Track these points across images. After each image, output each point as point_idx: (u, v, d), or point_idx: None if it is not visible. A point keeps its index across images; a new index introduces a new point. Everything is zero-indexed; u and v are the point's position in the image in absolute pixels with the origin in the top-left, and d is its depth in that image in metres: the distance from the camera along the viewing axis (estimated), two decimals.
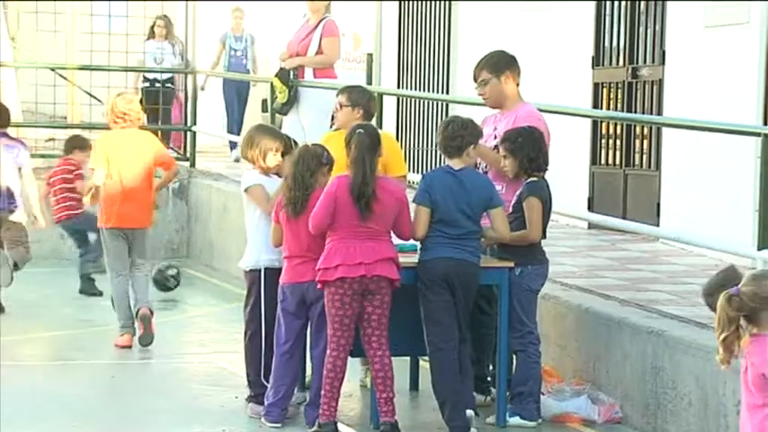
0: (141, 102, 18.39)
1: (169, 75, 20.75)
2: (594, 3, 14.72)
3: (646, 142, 13.86)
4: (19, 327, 13.02)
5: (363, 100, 10.35)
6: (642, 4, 14.14)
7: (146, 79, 20.76)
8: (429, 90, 17.71)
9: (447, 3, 17.46)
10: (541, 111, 9.96)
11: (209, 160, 19.33)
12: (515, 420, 9.39)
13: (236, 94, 20.47)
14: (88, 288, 14.95)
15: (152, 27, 21.32)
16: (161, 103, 20.22)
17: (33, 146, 17.40)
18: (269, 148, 9.85)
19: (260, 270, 9.70)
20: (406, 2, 18.63)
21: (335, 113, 10.35)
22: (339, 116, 10.15)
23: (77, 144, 15.72)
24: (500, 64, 9.64)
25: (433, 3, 17.88)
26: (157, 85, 20.61)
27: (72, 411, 10.07)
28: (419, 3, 18.33)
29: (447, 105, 15.74)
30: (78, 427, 9.64)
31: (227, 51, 19.91)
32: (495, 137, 9.69)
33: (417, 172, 14.31)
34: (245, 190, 9.81)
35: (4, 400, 10.06)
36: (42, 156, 17.91)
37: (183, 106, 19.71)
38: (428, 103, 17.45)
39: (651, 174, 13.55)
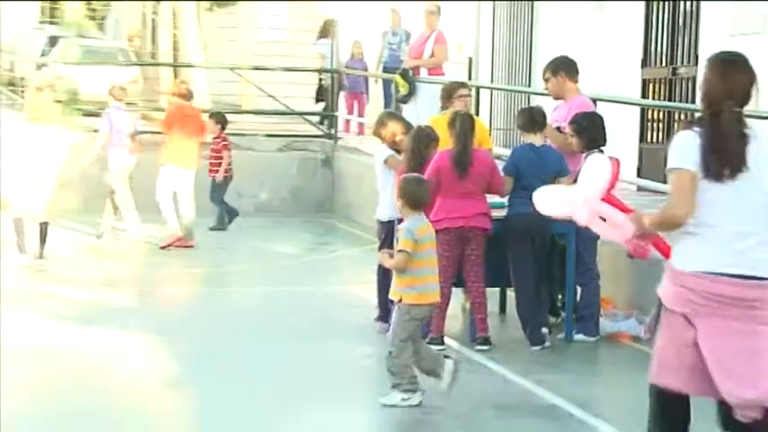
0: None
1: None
2: (643, 19, 14.51)
3: (682, 125, 13.67)
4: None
5: None
6: (681, 18, 13.92)
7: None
8: (515, 84, 17.62)
9: (530, 13, 17.33)
10: (601, 100, 9.94)
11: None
12: (579, 337, 9.47)
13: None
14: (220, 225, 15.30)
15: (323, 27, 20.96)
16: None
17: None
18: (396, 129, 9.92)
19: (391, 221, 9.69)
20: (498, 10, 18.52)
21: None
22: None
23: (220, 119, 15.70)
24: (558, 66, 9.67)
25: (517, 17, 17.76)
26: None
27: (232, 329, 10.07)
28: (508, 11, 18.21)
29: (528, 96, 15.65)
30: (242, 340, 9.62)
31: (385, 45, 19.32)
32: (556, 120, 9.75)
33: (507, 147, 14.26)
34: (385, 160, 9.82)
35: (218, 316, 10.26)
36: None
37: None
38: (513, 94, 17.34)
39: None
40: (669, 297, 5.28)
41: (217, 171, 15.19)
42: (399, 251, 7.63)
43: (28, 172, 11.98)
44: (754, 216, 5.20)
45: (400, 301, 7.62)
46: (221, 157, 15.18)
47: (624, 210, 5.82)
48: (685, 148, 5.23)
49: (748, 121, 5.38)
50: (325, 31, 20.57)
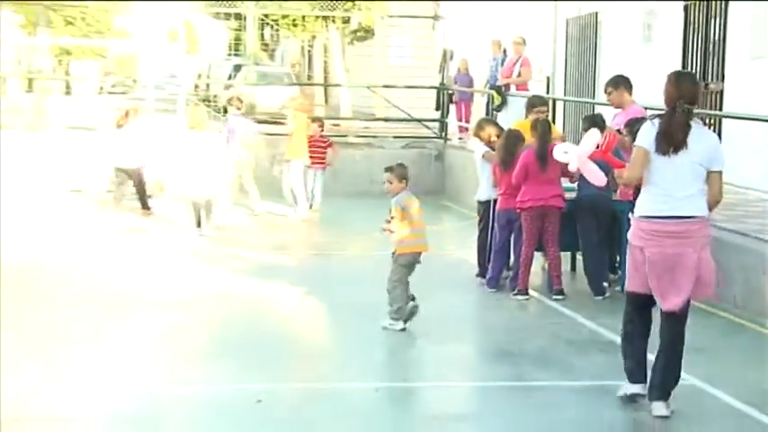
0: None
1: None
2: (681, 45, 14.24)
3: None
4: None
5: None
6: (711, 45, 13.63)
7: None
8: (582, 96, 17.39)
9: (594, 44, 17.08)
10: (650, 109, 9.73)
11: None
12: None
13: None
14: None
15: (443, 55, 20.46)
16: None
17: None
18: (492, 131, 9.89)
19: (487, 201, 9.69)
20: (570, 45, 18.29)
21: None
22: None
23: (320, 122, 14.74)
24: (618, 82, 9.47)
25: (584, 47, 17.50)
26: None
27: (366, 283, 9.59)
28: (577, 46, 17.95)
29: (593, 106, 15.44)
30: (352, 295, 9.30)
31: (489, 68, 18.40)
32: (618, 124, 9.57)
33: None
34: (483, 155, 9.80)
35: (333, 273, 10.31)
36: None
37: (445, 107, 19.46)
38: (580, 104, 17.13)
39: None
40: (631, 236, 6.02)
41: (319, 164, 14.14)
42: (392, 217, 8.00)
43: (193, 165, 12.08)
44: (684, 179, 5.83)
45: (394, 252, 7.97)
46: (322, 151, 14.23)
47: (617, 165, 6.30)
48: (645, 134, 5.92)
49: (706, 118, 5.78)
50: (445, 58, 20.48)
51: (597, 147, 6.45)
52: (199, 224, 12.14)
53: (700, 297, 6.07)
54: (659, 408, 5.86)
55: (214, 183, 12.32)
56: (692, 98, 5.88)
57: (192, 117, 13.02)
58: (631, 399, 6.08)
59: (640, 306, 6.06)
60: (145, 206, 13.53)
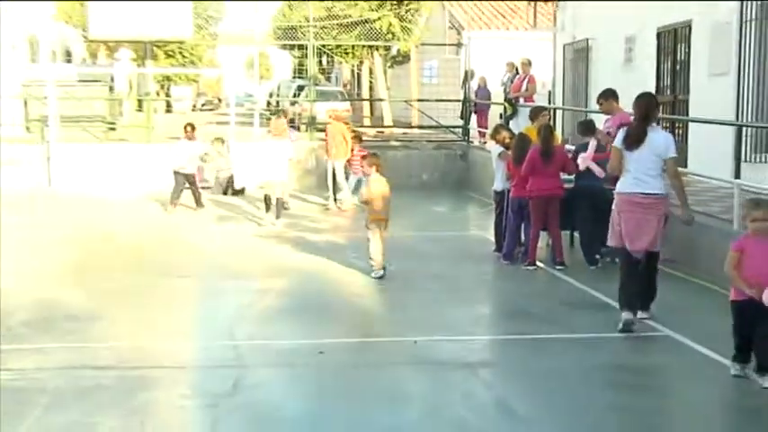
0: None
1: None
2: (655, 65, 13.98)
3: (681, 130, 13.16)
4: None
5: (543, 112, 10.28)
6: (678, 65, 13.42)
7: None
8: (579, 105, 17.16)
9: (586, 65, 16.83)
10: (631, 114, 9.62)
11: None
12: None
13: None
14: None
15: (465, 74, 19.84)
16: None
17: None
18: (505, 135, 9.80)
19: (502, 191, 9.60)
20: (567, 67, 18.04)
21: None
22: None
23: (357, 135, 14.26)
24: (608, 94, 9.30)
25: (579, 67, 17.26)
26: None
27: (406, 256, 9.74)
28: (573, 68, 17.70)
29: (586, 114, 15.27)
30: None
31: (502, 84, 17.51)
32: (608, 128, 9.41)
33: (572, 145, 13.96)
34: (499, 155, 9.70)
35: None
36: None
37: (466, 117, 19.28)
38: (576, 113, 16.90)
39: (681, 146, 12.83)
40: (614, 206, 6.77)
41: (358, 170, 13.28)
42: (362, 194, 8.93)
43: (272, 166, 11.90)
44: (647, 166, 6.59)
45: (372, 224, 8.60)
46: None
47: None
48: (618, 138, 6.76)
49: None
50: (467, 77, 20.38)
51: (597, 150, 7.83)
52: (273, 215, 12.02)
53: (650, 249, 6.70)
54: (625, 314, 6.57)
55: (288, 180, 12.20)
56: (646, 111, 6.65)
57: (274, 126, 12.82)
58: (626, 326, 6.53)
59: (632, 262, 6.71)
60: (198, 203, 13.07)
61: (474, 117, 19.14)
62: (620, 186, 6.69)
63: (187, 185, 13.05)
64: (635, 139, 6.56)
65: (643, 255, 6.64)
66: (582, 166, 8.27)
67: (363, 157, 14.29)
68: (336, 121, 13.89)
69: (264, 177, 12.08)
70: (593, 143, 8.35)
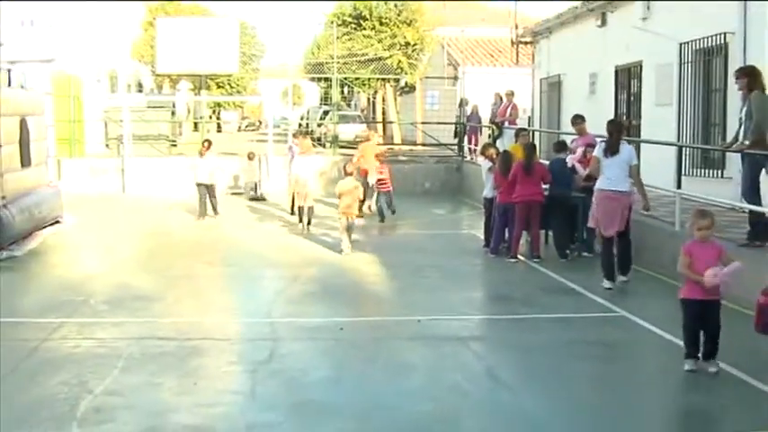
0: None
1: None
2: (614, 97, 13.71)
3: (635, 147, 12.85)
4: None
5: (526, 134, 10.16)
6: (632, 96, 13.20)
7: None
8: (553, 127, 17.01)
9: (558, 97, 16.70)
10: (598, 136, 9.49)
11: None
12: (585, 254, 9.03)
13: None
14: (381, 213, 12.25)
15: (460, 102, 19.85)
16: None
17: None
18: (493, 152, 9.73)
19: (491, 198, 9.49)
20: (543, 98, 17.87)
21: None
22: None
23: (380, 153, 13.22)
24: (578, 118, 9.28)
25: (552, 99, 17.12)
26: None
27: (410, 250, 9.57)
28: (548, 98, 17.54)
29: (558, 135, 15.13)
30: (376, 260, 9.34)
31: (496, 107, 15.96)
32: (579, 145, 9.37)
33: (547, 160, 13.80)
34: (489, 168, 9.59)
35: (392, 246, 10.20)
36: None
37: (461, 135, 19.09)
38: (550, 134, 16.69)
39: None
40: (594, 198, 7.35)
41: (382, 187, 12.44)
42: (340, 193, 9.27)
43: (302, 179, 11.38)
44: (618, 170, 7.21)
45: (341, 214, 9.13)
46: (384, 180, 12.52)
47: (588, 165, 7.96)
48: (598, 149, 7.44)
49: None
50: (462, 104, 20.33)
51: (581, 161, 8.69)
52: (301, 221, 11.34)
53: (619, 230, 7.28)
54: (607, 283, 7.26)
55: (313, 191, 12.00)
56: (619, 131, 7.37)
57: (302, 145, 12.49)
58: (608, 290, 7.11)
59: (610, 243, 7.33)
60: (215, 211, 12.33)
61: (467, 137, 19.08)
62: (599, 185, 7.31)
63: (207, 195, 12.32)
64: (613, 150, 7.21)
65: (615, 235, 7.31)
66: (569, 164, 8.96)
67: (381, 172, 12.99)
68: (365, 141, 13.28)
69: (294, 174, 11.68)
70: (580, 150, 9.07)
